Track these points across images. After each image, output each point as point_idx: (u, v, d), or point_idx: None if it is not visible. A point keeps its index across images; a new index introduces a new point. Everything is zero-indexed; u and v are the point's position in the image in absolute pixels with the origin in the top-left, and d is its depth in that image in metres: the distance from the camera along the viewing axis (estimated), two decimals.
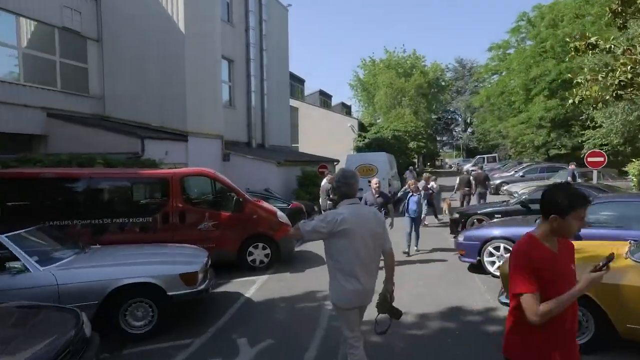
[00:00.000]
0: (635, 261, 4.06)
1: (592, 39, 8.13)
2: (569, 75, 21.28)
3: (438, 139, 61.86)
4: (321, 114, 29.04)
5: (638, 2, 7.53)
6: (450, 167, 53.93)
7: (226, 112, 15.60)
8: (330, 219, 3.03)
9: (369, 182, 8.64)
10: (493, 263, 6.81)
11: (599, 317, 3.97)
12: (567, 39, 22.43)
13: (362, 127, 29.44)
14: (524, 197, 9.62)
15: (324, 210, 11.02)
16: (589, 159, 10.98)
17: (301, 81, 36.49)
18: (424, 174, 14.15)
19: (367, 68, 44.50)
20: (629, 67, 7.67)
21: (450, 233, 10.64)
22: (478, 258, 6.92)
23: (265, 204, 8.74)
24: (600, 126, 17.72)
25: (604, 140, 16.48)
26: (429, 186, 12.89)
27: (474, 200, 13.30)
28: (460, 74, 60.32)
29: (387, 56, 42.94)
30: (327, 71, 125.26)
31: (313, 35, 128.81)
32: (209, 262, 5.82)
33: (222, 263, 7.58)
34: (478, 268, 7.10)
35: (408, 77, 39.34)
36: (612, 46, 7.90)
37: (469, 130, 64.04)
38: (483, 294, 6.08)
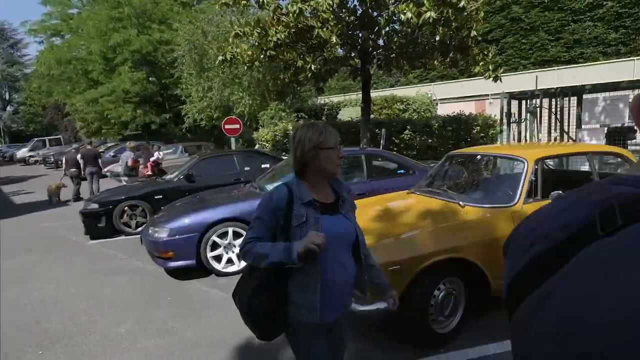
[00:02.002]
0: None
1: None
2: (151, 47, 20.62)
3: None
4: None
5: None
6: None
7: None
8: None
9: None
10: (219, 258, 4.81)
11: None
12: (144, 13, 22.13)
13: None
14: (184, 171, 7.83)
15: None
16: (227, 127, 10.55)
17: None
18: (129, 143, 10.62)
19: None
20: (280, 27, 7.53)
21: (86, 234, 7.28)
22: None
23: None
24: (186, 102, 18.20)
25: (201, 114, 17.01)
26: (153, 159, 9.76)
27: (86, 184, 10.50)
28: None
29: None
30: None
31: None
32: None
33: None
34: (177, 273, 4.83)
35: None
36: (265, 2, 7.49)
37: (10, 108, 52.21)
38: None
